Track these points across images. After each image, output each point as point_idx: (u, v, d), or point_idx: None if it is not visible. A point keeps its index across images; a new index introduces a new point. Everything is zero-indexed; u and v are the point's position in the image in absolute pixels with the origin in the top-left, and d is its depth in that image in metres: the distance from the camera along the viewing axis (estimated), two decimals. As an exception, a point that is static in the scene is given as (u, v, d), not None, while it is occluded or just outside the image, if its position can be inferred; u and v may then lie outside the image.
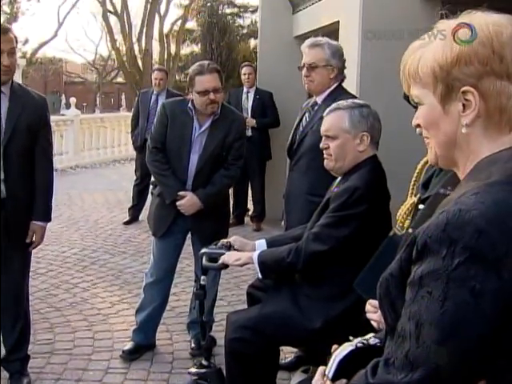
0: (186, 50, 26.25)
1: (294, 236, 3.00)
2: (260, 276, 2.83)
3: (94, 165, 13.48)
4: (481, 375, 1.05)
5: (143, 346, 3.94)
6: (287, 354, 3.72)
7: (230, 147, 3.76)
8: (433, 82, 1.17)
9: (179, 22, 28.20)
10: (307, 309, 2.73)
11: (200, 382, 3.09)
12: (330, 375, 1.42)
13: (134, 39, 29.37)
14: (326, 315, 2.68)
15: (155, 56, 29.93)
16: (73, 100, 14.51)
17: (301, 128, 3.68)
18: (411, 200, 2.23)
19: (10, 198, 3.23)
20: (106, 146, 14.37)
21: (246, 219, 7.79)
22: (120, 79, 39.09)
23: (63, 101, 34.36)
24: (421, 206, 2.14)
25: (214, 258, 2.95)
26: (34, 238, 3.41)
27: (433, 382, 1.03)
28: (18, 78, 3.45)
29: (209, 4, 18.05)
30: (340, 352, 1.47)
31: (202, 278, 3.05)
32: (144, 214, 7.42)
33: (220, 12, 16.18)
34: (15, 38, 3.20)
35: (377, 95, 4.55)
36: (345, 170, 2.80)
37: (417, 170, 2.30)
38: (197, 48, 21.09)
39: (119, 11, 29.36)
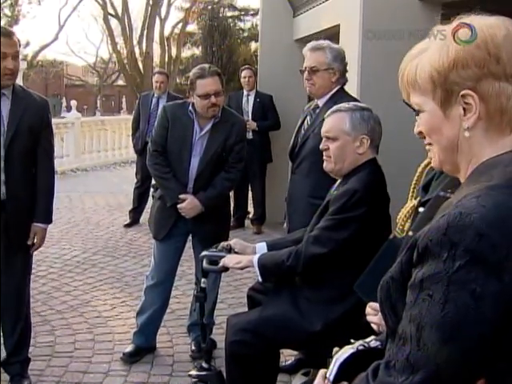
0: (186, 52, 26.30)
1: (295, 239, 3.00)
2: (260, 279, 2.84)
3: (94, 167, 13.49)
4: (481, 376, 1.05)
5: (144, 349, 3.94)
6: (287, 356, 3.72)
7: (230, 150, 3.76)
8: (432, 88, 1.18)
9: (180, 25, 28.27)
10: (307, 312, 2.73)
11: (200, 384, 3.10)
12: (331, 378, 1.42)
13: (135, 42, 29.41)
14: (326, 318, 2.69)
15: (156, 59, 29.98)
16: (73, 103, 14.53)
17: (302, 131, 3.69)
18: (411, 203, 2.23)
19: (12, 199, 3.24)
20: (107, 148, 14.38)
21: (247, 222, 7.79)
22: (121, 82, 39.13)
23: (64, 103, 34.38)
24: (421, 209, 2.14)
25: (214, 261, 2.95)
26: (35, 240, 3.42)
27: None
28: (19, 80, 3.46)
29: (209, 7, 18.12)
30: (341, 355, 1.47)
31: (203, 280, 3.06)
32: (144, 217, 7.44)
33: (221, 15, 16.19)
34: (18, 41, 3.22)
35: (377, 97, 4.56)
36: (344, 172, 2.80)
37: (417, 173, 2.30)
38: (197, 51, 21.10)
39: (120, 14, 29.39)
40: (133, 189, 7.96)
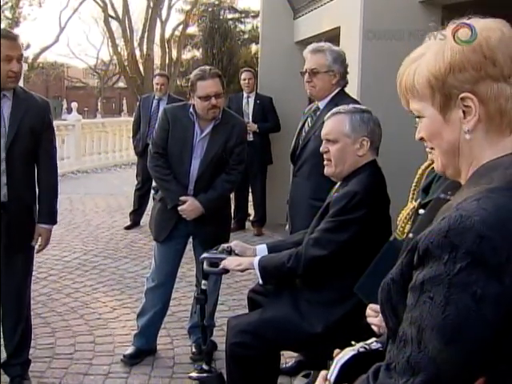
0: (187, 55, 26.33)
1: (295, 241, 3.01)
2: (261, 281, 2.84)
3: (95, 169, 13.50)
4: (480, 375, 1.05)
5: (144, 351, 3.94)
6: (288, 358, 3.72)
7: (231, 152, 3.77)
8: (430, 93, 1.18)
9: (180, 27, 28.30)
10: (308, 313, 2.73)
11: (201, 386, 3.10)
12: (332, 379, 1.42)
13: (136, 44, 29.49)
14: (326, 320, 2.69)
15: (156, 61, 30.02)
16: (74, 105, 14.54)
17: (303, 133, 3.69)
18: (411, 205, 2.23)
19: (13, 200, 3.25)
20: (108, 150, 14.39)
21: (247, 224, 7.79)
22: (121, 84, 39.20)
23: (64, 105, 34.40)
24: (421, 211, 2.15)
25: (214, 263, 2.95)
26: (39, 242, 3.44)
27: None
28: (19, 82, 3.48)
29: (210, 9, 18.12)
30: (342, 356, 1.47)
31: (203, 282, 3.06)
32: (145, 219, 7.44)
33: (221, 17, 16.22)
34: (22, 44, 3.25)
35: (378, 99, 4.56)
36: (344, 174, 2.81)
37: (417, 175, 2.30)
38: (198, 53, 21.14)
39: (121, 16, 29.45)
40: (133, 191, 7.96)
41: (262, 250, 3.03)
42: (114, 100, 45.95)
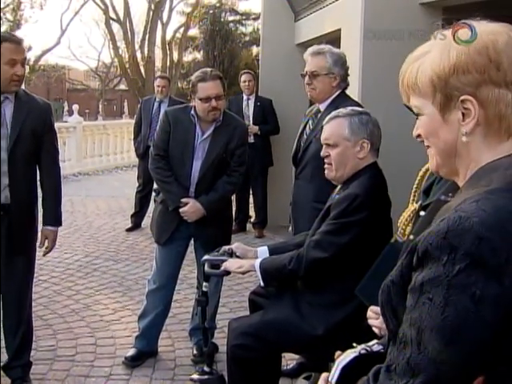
0: (188, 57, 26.34)
1: (296, 243, 3.01)
2: (262, 283, 2.84)
3: (96, 172, 13.50)
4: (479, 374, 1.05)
5: (145, 353, 3.94)
6: (289, 360, 3.72)
7: (232, 154, 3.77)
8: (431, 91, 1.18)
9: (181, 30, 28.33)
10: (309, 315, 2.73)
11: (202, 388, 3.10)
12: (333, 382, 1.42)
13: (137, 46, 29.52)
14: (327, 322, 2.69)
15: (158, 63, 30.04)
16: (75, 107, 14.57)
17: (305, 136, 3.70)
18: (412, 207, 2.23)
19: (15, 202, 3.26)
20: (109, 153, 14.39)
21: (248, 226, 7.79)
22: (122, 86, 39.20)
23: (66, 108, 34.43)
24: (422, 213, 2.15)
25: (216, 265, 2.95)
26: (46, 244, 3.47)
27: None
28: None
29: (211, 11, 18.13)
30: (343, 358, 1.48)
31: (204, 284, 3.06)
32: (146, 221, 7.44)
33: (222, 19, 16.24)
34: (25, 47, 3.27)
35: (379, 101, 4.57)
36: (345, 178, 2.81)
37: (418, 177, 2.31)
38: (199, 55, 21.15)
39: (122, 19, 29.48)
40: (134, 193, 7.97)
41: (263, 252, 3.03)
42: (116, 102, 45.98)
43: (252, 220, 7.80)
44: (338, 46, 5.07)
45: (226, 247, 3.07)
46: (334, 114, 2.89)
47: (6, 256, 3.30)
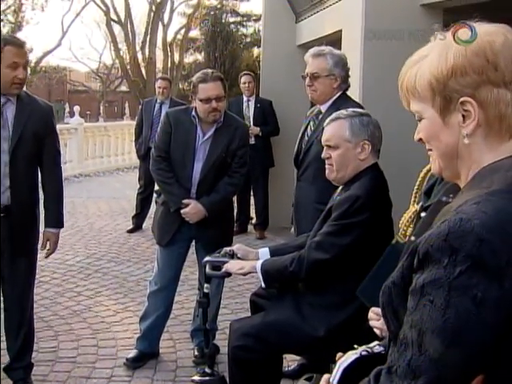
0: (189, 58, 26.38)
1: (297, 244, 3.01)
2: (263, 285, 2.84)
3: (97, 173, 13.51)
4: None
5: (147, 354, 3.94)
6: (290, 361, 3.72)
7: (233, 155, 3.77)
8: (431, 95, 1.18)
9: (183, 31, 28.35)
10: (310, 317, 2.73)
11: (203, 389, 3.11)
12: (335, 383, 1.42)
13: (138, 48, 29.52)
14: (328, 323, 2.68)
15: (159, 65, 30.06)
16: (77, 108, 14.55)
17: (306, 137, 3.70)
18: (413, 208, 2.23)
19: (16, 204, 3.26)
20: (110, 154, 14.40)
21: (250, 227, 7.79)
22: (124, 88, 39.23)
23: (67, 109, 34.49)
24: (423, 214, 2.15)
25: (217, 267, 2.96)
26: (47, 246, 3.47)
27: None
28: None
29: (212, 13, 18.15)
30: (344, 360, 1.47)
31: (206, 286, 3.06)
32: (147, 223, 7.45)
33: (223, 21, 16.25)
34: (27, 50, 3.27)
35: (379, 101, 4.57)
36: (347, 179, 2.81)
37: (419, 178, 2.31)
38: (200, 57, 21.19)
39: (123, 20, 29.49)
40: (136, 194, 7.97)
41: (264, 253, 3.03)
42: (117, 104, 46.04)
43: (253, 221, 7.80)
44: (339, 48, 5.08)
45: (227, 248, 3.07)
46: (334, 115, 2.89)
47: (7, 258, 3.30)
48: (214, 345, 3.73)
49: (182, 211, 3.72)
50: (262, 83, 8.01)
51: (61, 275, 5.75)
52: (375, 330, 1.94)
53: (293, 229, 3.92)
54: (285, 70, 7.58)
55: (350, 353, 1.51)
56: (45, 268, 5.80)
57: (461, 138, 1.17)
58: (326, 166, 2.87)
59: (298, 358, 3.62)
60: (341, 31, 5.75)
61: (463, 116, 1.15)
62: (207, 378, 3.13)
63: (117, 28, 30.51)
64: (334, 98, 3.62)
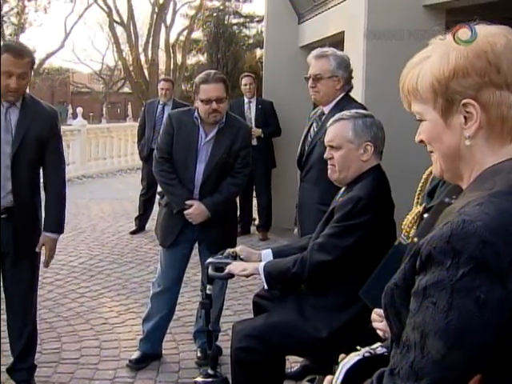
0: (192, 60, 26.34)
1: (300, 246, 3.01)
2: (266, 287, 2.84)
3: (100, 174, 13.53)
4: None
5: (150, 356, 3.94)
6: (293, 363, 3.72)
7: (236, 155, 3.77)
8: (433, 97, 1.18)
9: (185, 32, 28.35)
10: (313, 318, 2.73)
11: (206, 391, 3.10)
12: (337, 384, 1.42)
13: (141, 49, 29.53)
14: (331, 325, 2.68)
15: (161, 66, 30.07)
16: (79, 110, 14.57)
17: (309, 138, 3.70)
18: (416, 209, 2.23)
19: (19, 206, 3.26)
20: (113, 155, 14.43)
21: (252, 229, 7.79)
22: (126, 89, 39.23)
23: (70, 111, 34.53)
24: (426, 216, 2.15)
25: (220, 268, 2.96)
26: (43, 250, 3.41)
27: None
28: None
29: (215, 14, 18.12)
30: (347, 361, 1.47)
31: (208, 287, 3.07)
32: (150, 224, 7.45)
33: (226, 22, 16.21)
34: (31, 61, 3.20)
35: (382, 102, 4.57)
36: (349, 180, 2.81)
37: (422, 180, 2.30)
38: (203, 58, 21.14)
39: (126, 21, 29.53)
40: (138, 196, 7.98)
41: (267, 254, 3.03)
42: (119, 105, 46.12)
43: (256, 223, 7.80)
44: (342, 49, 5.08)
45: (229, 250, 3.07)
46: (338, 116, 2.89)
47: (10, 259, 3.31)
48: (216, 346, 3.72)
49: (185, 212, 3.72)
50: (265, 84, 8.01)
51: (64, 276, 5.76)
52: (378, 331, 1.94)
53: (296, 230, 3.92)
54: (287, 70, 7.59)
55: (352, 354, 1.51)
56: (48, 269, 5.76)
57: (462, 139, 1.17)
58: (329, 167, 2.87)
59: (300, 359, 3.63)
60: (343, 32, 5.76)
61: (465, 118, 1.15)
62: (210, 379, 3.13)
63: (119, 29, 30.59)
64: (337, 99, 3.62)
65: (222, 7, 21.81)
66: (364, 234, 2.66)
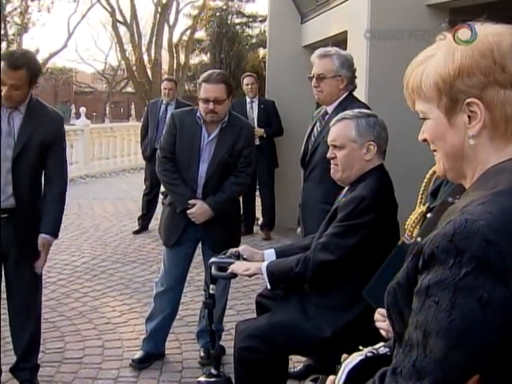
0: (195, 59, 26.41)
1: (303, 245, 3.01)
2: (269, 286, 2.84)
3: (103, 174, 13.54)
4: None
5: (153, 355, 3.95)
6: (296, 363, 3.72)
7: (239, 155, 3.77)
8: (437, 95, 1.18)
9: (188, 32, 28.38)
10: (316, 318, 2.73)
11: (209, 390, 3.10)
12: (340, 384, 1.42)
13: (144, 49, 29.56)
14: (334, 324, 2.68)
15: (164, 66, 30.09)
16: (83, 110, 14.58)
17: (312, 138, 3.69)
18: (420, 209, 2.23)
19: (20, 209, 3.26)
20: (116, 155, 14.42)
21: (256, 228, 7.78)
22: (129, 89, 39.26)
23: (73, 110, 34.51)
24: (429, 215, 2.14)
25: (223, 268, 2.96)
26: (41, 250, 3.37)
27: None
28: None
29: (218, 14, 18.16)
30: (350, 361, 1.47)
31: (211, 287, 3.06)
32: (153, 224, 7.45)
33: (229, 22, 16.23)
34: (29, 74, 3.16)
35: (385, 102, 4.56)
36: (352, 179, 2.80)
37: (425, 179, 2.30)
38: (206, 58, 21.18)
39: (129, 21, 29.54)
40: (142, 195, 7.98)
41: (270, 254, 3.03)
42: (122, 105, 46.12)
43: (259, 222, 7.80)
44: (345, 48, 5.08)
45: (232, 250, 3.07)
46: (340, 115, 2.89)
47: (12, 260, 3.31)
48: (219, 346, 3.72)
49: (188, 211, 3.72)
50: (268, 84, 8.01)
51: (67, 276, 5.76)
52: (381, 331, 1.94)
53: (299, 229, 3.91)
54: (290, 70, 7.58)
55: (355, 354, 1.51)
56: (51, 269, 5.81)
57: (466, 138, 1.17)
58: (332, 166, 2.87)
59: (303, 359, 3.62)
60: (346, 32, 5.75)
61: (469, 117, 1.15)
62: (213, 379, 3.13)
63: (122, 29, 30.61)
64: (341, 98, 3.61)
65: (225, 7, 21.86)
66: (367, 234, 2.66)
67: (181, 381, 3.74)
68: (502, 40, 1.13)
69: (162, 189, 4.11)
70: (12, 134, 3.22)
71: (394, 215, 2.81)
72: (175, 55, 28.97)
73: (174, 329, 4.25)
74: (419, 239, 2.08)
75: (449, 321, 1.00)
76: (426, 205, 2.21)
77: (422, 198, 2.28)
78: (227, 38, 14.24)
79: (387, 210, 2.76)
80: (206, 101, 3.62)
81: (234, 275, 2.94)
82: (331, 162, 2.86)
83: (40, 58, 32.63)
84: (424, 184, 2.30)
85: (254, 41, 21.56)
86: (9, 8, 28.94)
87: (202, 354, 3.99)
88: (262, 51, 19.00)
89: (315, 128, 3.72)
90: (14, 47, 30.06)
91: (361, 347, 1.55)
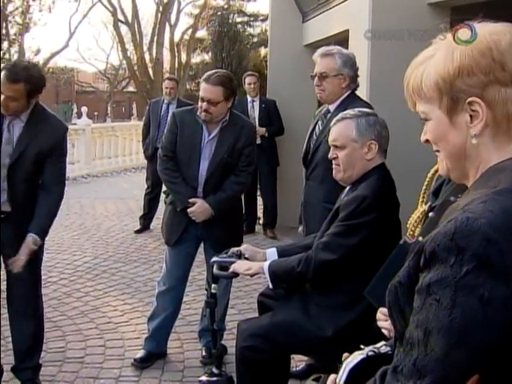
0: (196, 58, 26.39)
1: (305, 245, 3.01)
2: (271, 286, 2.84)
3: (105, 173, 13.55)
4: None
5: (155, 354, 3.95)
6: (298, 362, 3.72)
7: (239, 153, 3.77)
8: (437, 95, 1.17)
9: (190, 31, 28.39)
10: (317, 317, 2.73)
11: (211, 390, 3.10)
12: (341, 383, 1.42)
13: (145, 48, 29.57)
14: (336, 324, 2.68)
15: (166, 65, 30.11)
16: (84, 109, 14.60)
17: (314, 137, 3.69)
18: (422, 208, 2.23)
19: (17, 214, 3.26)
20: (118, 154, 14.43)
21: (257, 227, 7.78)
22: (131, 88, 39.26)
23: (75, 110, 34.59)
24: (431, 214, 2.14)
25: (224, 267, 2.95)
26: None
27: None
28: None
29: (219, 13, 18.16)
30: (351, 360, 1.47)
31: (213, 286, 3.06)
32: (155, 223, 7.47)
33: (230, 21, 16.23)
34: (27, 88, 3.14)
35: (387, 101, 4.55)
36: (354, 179, 2.80)
37: (427, 178, 2.30)
38: (207, 57, 21.19)
39: (130, 21, 29.55)
40: (143, 195, 7.99)
41: (271, 253, 3.03)
42: (124, 104, 46.11)
43: (261, 221, 7.79)
44: (346, 47, 5.07)
45: (234, 249, 3.06)
46: (341, 115, 2.89)
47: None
48: (221, 345, 3.72)
49: (188, 210, 3.72)
50: (269, 83, 8.00)
51: (68, 275, 5.77)
52: (383, 330, 1.94)
53: (300, 228, 3.91)
54: (292, 69, 7.58)
55: (356, 353, 1.51)
56: (52, 269, 5.82)
57: (468, 138, 1.16)
58: (333, 166, 2.86)
59: (305, 358, 3.62)
60: (348, 31, 5.74)
61: (471, 116, 1.15)
62: (215, 378, 3.13)
63: (124, 29, 30.62)
64: (343, 97, 3.61)
65: (226, 6, 21.87)
66: (369, 233, 2.66)
67: (182, 380, 3.75)
68: (501, 38, 1.13)
69: (164, 188, 4.12)
70: (11, 141, 3.23)
71: (396, 214, 2.80)
72: (176, 54, 28.97)
73: (176, 328, 4.26)
74: (421, 238, 2.07)
75: (450, 319, 1.00)
76: (428, 204, 2.21)
77: (423, 197, 2.28)
78: (228, 37, 14.25)
79: (389, 210, 2.76)
80: (202, 99, 3.64)
81: (236, 274, 2.94)
82: (333, 162, 2.86)
83: (41, 57, 32.71)
84: (426, 183, 2.30)
85: (255, 40, 21.53)
86: (10, 8, 28.95)
87: (203, 354, 3.99)
88: (263, 50, 19.01)
89: (317, 127, 3.71)
90: (15, 47, 30.14)
91: (362, 346, 1.55)
